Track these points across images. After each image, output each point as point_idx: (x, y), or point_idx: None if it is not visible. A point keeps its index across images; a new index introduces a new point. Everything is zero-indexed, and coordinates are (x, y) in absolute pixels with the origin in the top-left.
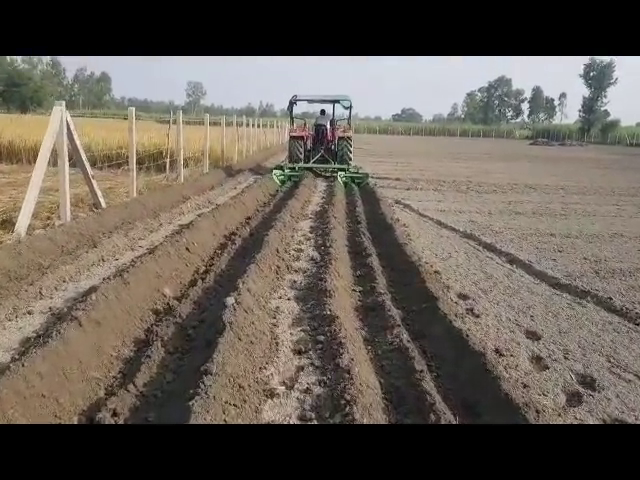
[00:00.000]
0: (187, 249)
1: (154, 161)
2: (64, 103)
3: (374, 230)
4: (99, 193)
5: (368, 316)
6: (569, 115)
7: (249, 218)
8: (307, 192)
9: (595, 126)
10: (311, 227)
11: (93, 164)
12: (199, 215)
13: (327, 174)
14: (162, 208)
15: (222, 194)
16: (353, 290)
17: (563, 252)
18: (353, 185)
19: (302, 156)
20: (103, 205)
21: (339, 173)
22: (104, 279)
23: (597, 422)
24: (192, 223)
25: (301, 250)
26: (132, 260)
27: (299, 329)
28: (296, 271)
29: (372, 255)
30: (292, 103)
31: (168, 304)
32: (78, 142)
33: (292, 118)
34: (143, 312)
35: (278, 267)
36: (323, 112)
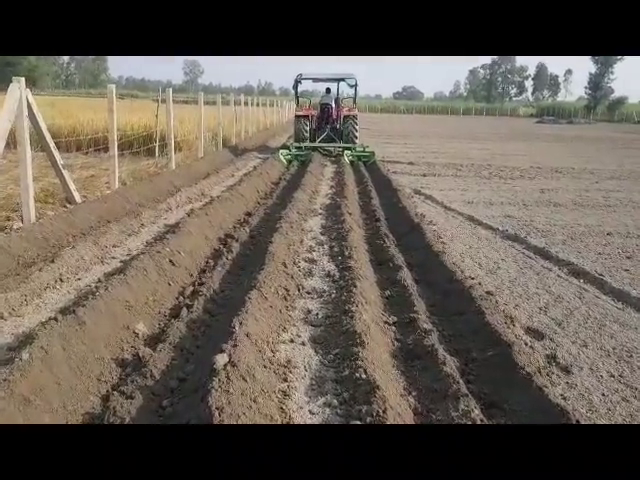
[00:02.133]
0: (171, 261)
1: (144, 144)
2: (23, 80)
3: (397, 229)
4: (72, 186)
5: (414, 369)
6: (573, 92)
7: (249, 214)
8: (314, 180)
9: (602, 103)
10: (322, 227)
11: (78, 148)
12: (189, 213)
13: (333, 153)
14: (147, 202)
15: (218, 183)
16: (386, 323)
17: (633, 259)
18: (363, 170)
19: (308, 135)
20: (77, 200)
21: (345, 152)
22: (50, 318)
23: None
24: (180, 223)
25: (313, 260)
26: (98, 280)
27: (322, 402)
28: (309, 294)
29: (402, 268)
30: (297, 82)
31: (138, 354)
32: (43, 126)
33: (297, 97)
34: (103, 367)
35: (287, 290)
36: (328, 90)
